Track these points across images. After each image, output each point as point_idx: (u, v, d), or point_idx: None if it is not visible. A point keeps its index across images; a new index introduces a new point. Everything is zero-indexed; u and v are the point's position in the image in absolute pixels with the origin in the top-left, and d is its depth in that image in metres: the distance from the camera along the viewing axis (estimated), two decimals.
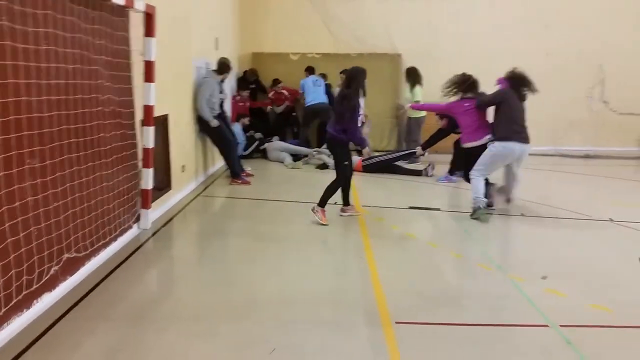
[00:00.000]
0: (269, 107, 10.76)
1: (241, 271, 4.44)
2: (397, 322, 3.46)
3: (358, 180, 8.16)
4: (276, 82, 10.66)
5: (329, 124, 6.00)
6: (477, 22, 10.90)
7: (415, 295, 3.97)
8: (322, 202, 5.82)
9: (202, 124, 7.49)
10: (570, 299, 3.89)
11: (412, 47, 10.84)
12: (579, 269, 4.56)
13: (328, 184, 5.94)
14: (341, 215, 6.07)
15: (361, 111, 6.25)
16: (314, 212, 5.77)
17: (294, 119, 10.90)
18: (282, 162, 9.35)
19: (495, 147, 5.89)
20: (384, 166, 8.67)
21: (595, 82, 10.71)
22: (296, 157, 9.54)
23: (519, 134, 5.87)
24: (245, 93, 10.25)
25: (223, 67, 7.73)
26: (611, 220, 6.05)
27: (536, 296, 3.90)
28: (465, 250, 5.03)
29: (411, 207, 6.57)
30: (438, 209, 6.56)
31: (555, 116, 10.80)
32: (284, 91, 10.69)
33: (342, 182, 5.96)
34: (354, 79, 5.70)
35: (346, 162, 5.88)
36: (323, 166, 9.02)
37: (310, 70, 10.47)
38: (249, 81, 10.61)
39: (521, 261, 4.76)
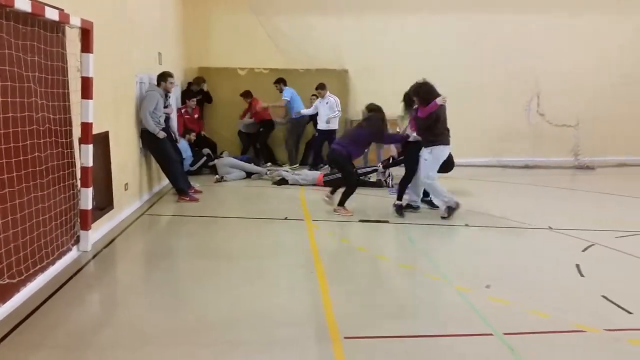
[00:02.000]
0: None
1: (188, 292, 4.32)
2: (346, 337, 3.46)
3: (311, 194, 8.18)
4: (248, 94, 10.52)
5: (338, 142, 7.29)
6: (417, 39, 11.22)
7: (365, 309, 3.98)
8: (341, 203, 6.98)
9: (145, 139, 7.31)
10: (512, 306, 4.01)
11: (358, 63, 11.03)
12: (521, 276, 4.72)
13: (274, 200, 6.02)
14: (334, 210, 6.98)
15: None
16: (337, 212, 6.93)
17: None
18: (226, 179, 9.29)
19: (440, 150, 6.61)
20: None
21: (532, 95, 11.23)
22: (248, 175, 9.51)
23: (449, 136, 6.77)
24: (193, 102, 9.93)
25: (159, 77, 7.53)
26: (550, 228, 6.31)
27: (481, 305, 4.00)
28: (413, 262, 5.11)
29: (361, 220, 6.63)
30: (387, 221, 6.65)
31: (495, 128, 11.24)
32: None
33: (355, 186, 7.10)
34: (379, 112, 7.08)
35: (353, 169, 7.26)
36: (281, 181, 8.98)
37: (284, 82, 10.52)
38: (193, 92, 10.36)
39: (466, 270, 4.87)
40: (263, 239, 5.94)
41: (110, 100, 6.09)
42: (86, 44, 4.77)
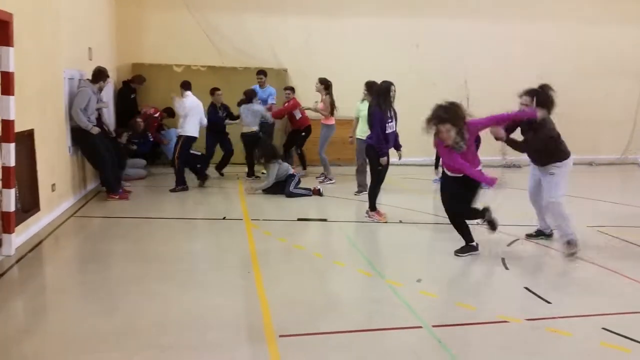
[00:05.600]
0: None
1: (117, 297, 4.19)
2: (280, 336, 3.48)
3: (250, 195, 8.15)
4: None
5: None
6: (356, 41, 11.42)
7: (300, 307, 4.02)
8: (372, 206, 6.68)
9: (76, 136, 7.08)
10: (441, 299, 4.19)
11: (296, 63, 11.08)
12: (450, 270, 4.92)
13: (213, 200, 5.88)
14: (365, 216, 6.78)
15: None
16: (370, 217, 6.64)
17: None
18: None
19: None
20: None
21: (461, 97, 11.70)
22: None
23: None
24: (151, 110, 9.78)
25: (98, 74, 7.38)
26: (478, 223, 6.59)
27: (411, 299, 4.14)
28: (348, 259, 5.20)
29: (299, 219, 6.67)
30: (325, 220, 6.73)
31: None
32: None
33: (378, 184, 6.68)
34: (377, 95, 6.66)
35: (379, 167, 6.61)
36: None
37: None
38: (132, 89, 10.12)
39: (398, 266, 5.01)
40: (199, 240, 5.87)
41: (35, 97, 5.81)
42: (5, 37, 4.52)
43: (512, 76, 11.97)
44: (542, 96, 5.53)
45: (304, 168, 9.81)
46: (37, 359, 3.21)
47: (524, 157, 11.53)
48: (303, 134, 9.65)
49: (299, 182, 8.34)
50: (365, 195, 7.34)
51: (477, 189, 5.24)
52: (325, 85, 9.26)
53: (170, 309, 3.92)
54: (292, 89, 9.68)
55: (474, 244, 5.31)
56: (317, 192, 8.16)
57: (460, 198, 5.26)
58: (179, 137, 8.31)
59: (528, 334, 3.67)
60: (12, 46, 4.57)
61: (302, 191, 8.17)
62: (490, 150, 11.89)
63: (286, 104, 9.57)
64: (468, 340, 3.56)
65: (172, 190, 8.13)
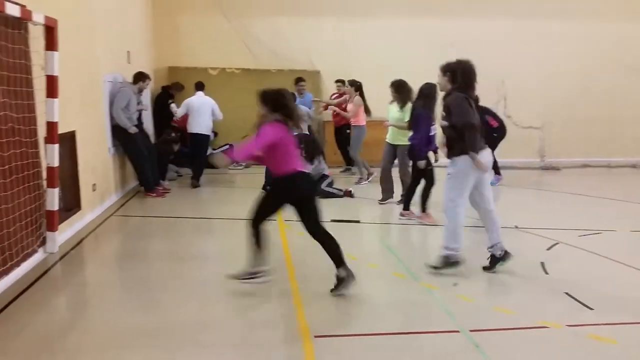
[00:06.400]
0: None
1: (157, 294, 4.28)
2: (316, 336, 3.48)
3: None
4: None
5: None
6: (390, 43, 11.34)
7: (334, 308, 4.01)
8: (407, 207, 6.74)
9: (117, 135, 7.30)
10: (479, 303, 4.10)
11: (330, 65, 11.08)
12: (487, 274, 4.80)
13: (247, 200, 5.94)
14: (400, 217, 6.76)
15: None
16: (418, 218, 6.61)
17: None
18: None
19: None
20: None
21: (499, 97, 11.48)
22: None
23: None
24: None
25: (138, 75, 7.67)
26: (516, 227, 6.45)
27: (448, 302, 4.07)
28: (382, 261, 5.16)
29: (333, 220, 6.65)
30: (358, 221, 6.70)
31: None
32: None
33: (413, 185, 6.76)
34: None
35: (429, 167, 6.66)
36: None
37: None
38: (170, 95, 10.26)
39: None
40: (234, 239, 5.89)
41: (77, 100, 5.99)
42: (51, 42, 4.68)
43: (551, 76, 11.70)
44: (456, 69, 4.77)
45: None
46: (78, 352, 3.30)
47: (562, 160, 11.45)
48: (348, 130, 9.64)
49: (331, 182, 8.34)
50: (391, 200, 7.38)
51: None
52: (356, 86, 9.22)
53: (206, 308, 3.97)
54: (344, 82, 9.78)
55: (256, 270, 4.20)
56: (349, 194, 8.14)
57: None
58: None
59: (569, 340, 3.56)
60: (57, 51, 4.72)
61: (333, 190, 8.17)
62: (529, 153, 11.69)
63: (334, 96, 9.98)
64: (506, 345, 3.47)
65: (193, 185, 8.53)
